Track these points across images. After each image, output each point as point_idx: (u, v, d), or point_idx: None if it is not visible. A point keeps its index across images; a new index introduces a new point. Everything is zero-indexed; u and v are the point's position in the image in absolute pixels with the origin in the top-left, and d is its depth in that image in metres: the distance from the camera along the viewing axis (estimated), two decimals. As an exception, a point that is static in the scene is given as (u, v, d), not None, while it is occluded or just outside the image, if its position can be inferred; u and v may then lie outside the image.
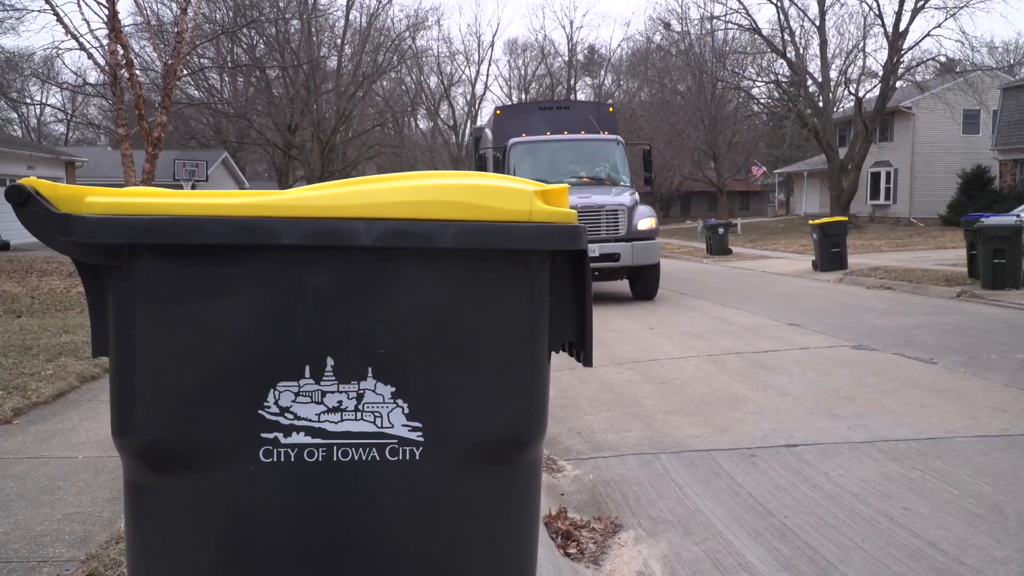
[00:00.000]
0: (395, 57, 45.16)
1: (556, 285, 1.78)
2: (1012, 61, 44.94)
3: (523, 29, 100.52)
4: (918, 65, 33.43)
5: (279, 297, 1.62)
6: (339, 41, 43.08)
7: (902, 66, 32.13)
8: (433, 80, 58.30)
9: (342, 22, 42.83)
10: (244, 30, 35.52)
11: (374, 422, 1.66)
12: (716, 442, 4.69)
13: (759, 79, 41.22)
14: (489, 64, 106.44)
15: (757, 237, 31.58)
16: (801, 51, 36.51)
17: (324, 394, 1.64)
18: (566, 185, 1.79)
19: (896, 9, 30.47)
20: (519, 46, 69.95)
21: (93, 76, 32.30)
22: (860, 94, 33.17)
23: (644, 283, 12.37)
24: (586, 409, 5.60)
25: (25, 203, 1.58)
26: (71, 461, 4.28)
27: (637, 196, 12.59)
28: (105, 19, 15.76)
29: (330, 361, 1.64)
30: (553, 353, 1.84)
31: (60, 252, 1.62)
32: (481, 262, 1.67)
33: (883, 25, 31.33)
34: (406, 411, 1.66)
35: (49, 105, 51.98)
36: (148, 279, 1.60)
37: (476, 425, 1.69)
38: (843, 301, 11.74)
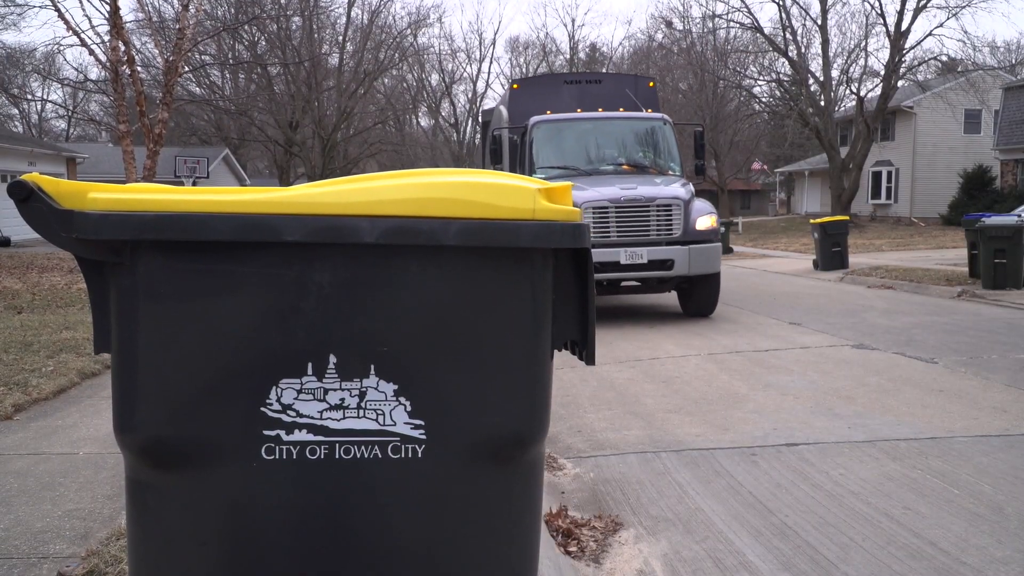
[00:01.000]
0: (396, 54, 45.14)
1: (559, 283, 1.77)
2: (1014, 61, 44.91)
3: (525, 27, 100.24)
4: (920, 64, 33.47)
5: (282, 294, 1.62)
6: (340, 38, 43.08)
7: (904, 65, 32.16)
8: (435, 78, 58.20)
9: (344, 19, 42.82)
10: (245, 27, 35.51)
11: (376, 420, 1.65)
12: (717, 441, 4.69)
13: (761, 78, 41.24)
14: (491, 62, 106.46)
15: (758, 236, 31.58)
16: (803, 50, 36.55)
17: (326, 392, 1.64)
18: (568, 184, 1.77)
19: (898, 8, 30.56)
20: (521, 44, 70.02)
21: (94, 72, 32.36)
22: (862, 93, 33.20)
23: (700, 297, 9.81)
24: (587, 407, 5.60)
25: (28, 199, 1.57)
26: (72, 457, 4.28)
27: (692, 188, 10.04)
28: (106, 15, 15.75)
29: (332, 359, 1.63)
30: (555, 351, 1.84)
31: (63, 248, 1.62)
32: (484, 260, 1.66)
33: (885, 24, 31.35)
34: (408, 409, 1.66)
35: (50, 101, 51.90)
36: (151, 276, 1.60)
37: (478, 423, 1.69)
38: (844, 300, 11.73)
